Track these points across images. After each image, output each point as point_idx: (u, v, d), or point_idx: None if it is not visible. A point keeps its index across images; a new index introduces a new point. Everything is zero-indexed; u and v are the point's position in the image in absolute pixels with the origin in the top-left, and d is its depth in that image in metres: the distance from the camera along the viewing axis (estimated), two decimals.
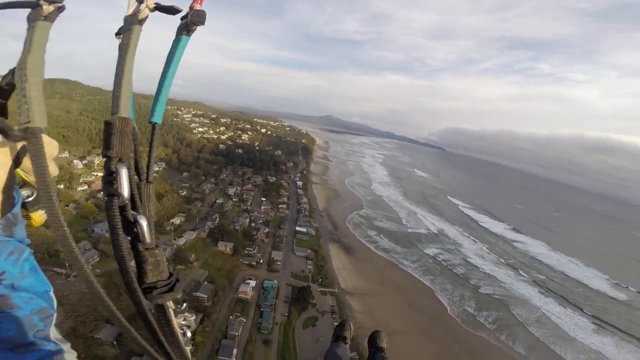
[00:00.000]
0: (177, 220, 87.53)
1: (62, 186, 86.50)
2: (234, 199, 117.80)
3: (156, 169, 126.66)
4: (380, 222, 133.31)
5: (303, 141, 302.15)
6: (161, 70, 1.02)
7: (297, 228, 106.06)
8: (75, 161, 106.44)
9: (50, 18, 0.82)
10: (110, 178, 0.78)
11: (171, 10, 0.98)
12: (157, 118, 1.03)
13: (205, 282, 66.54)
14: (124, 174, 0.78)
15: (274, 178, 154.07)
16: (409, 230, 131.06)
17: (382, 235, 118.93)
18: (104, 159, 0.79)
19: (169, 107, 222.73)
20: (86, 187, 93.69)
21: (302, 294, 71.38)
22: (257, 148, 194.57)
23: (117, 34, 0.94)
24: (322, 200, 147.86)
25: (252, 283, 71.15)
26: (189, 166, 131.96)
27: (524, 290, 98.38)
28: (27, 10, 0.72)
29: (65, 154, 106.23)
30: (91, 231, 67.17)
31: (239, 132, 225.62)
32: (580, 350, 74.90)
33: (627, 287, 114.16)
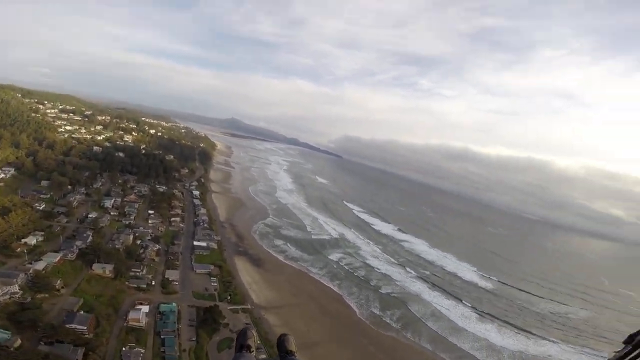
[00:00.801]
0: (32, 240, 69.60)
1: None
2: (112, 213, 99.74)
3: (1, 175, 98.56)
4: (287, 231, 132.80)
5: (201, 145, 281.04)
6: None
7: (195, 242, 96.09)
8: None
9: None
10: None
11: None
12: None
13: (81, 312, 54.73)
14: None
15: (164, 187, 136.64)
16: (314, 237, 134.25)
17: (289, 244, 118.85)
18: None
19: (26, 100, 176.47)
20: None
21: (210, 315, 64.64)
22: (144, 151, 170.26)
23: None
24: (224, 211, 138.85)
25: (145, 308, 61.20)
26: (50, 173, 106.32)
27: (415, 287, 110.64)
28: None
29: None
30: None
31: (121, 132, 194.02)
32: (472, 339, 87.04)
33: (489, 278, 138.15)
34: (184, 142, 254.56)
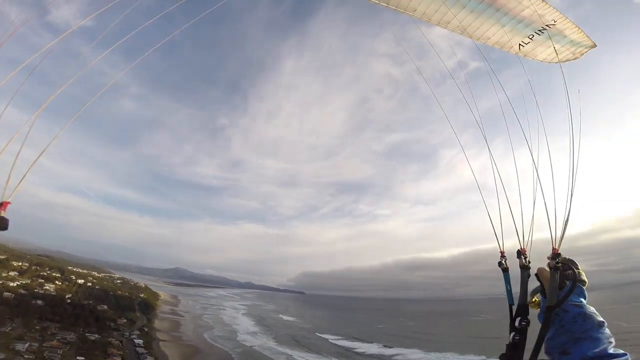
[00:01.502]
0: None
1: None
2: (26, 356, 68.96)
3: None
4: None
5: (142, 295, 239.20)
6: None
7: None
8: None
9: None
10: None
11: None
12: None
13: None
14: None
15: (96, 335, 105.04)
16: None
17: None
18: None
19: None
20: None
21: None
22: (69, 301, 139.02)
23: None
24: (176, 358, 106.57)
25: None
26: None
27: None
28: None
29: None
30: None
31: (41, 280, 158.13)
32: None
33: None
34: (119, 292, 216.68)
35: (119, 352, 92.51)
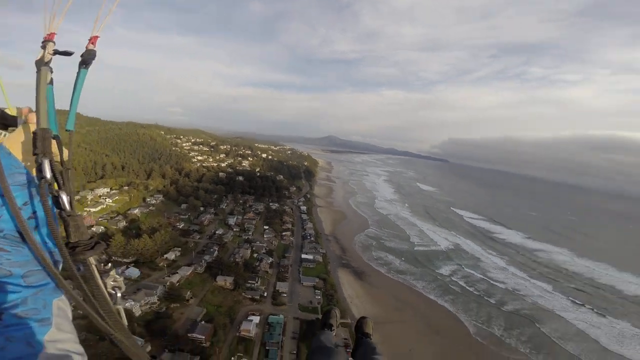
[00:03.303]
0: (171, 255, 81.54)
1: None
2: (234, 229, 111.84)
3: (153, 202, 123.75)
4: (391, 242, 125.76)
5: (305, 164, 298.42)
6: (71, 94, 1.38)
7: (303, 255, 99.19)
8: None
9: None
10: (39, 167, 1.18)
11: (66, 54, 1.38)
12: (70, 126, 1.44)
13: (202, 322, 60.08)
14: (46, 164, 1.17)
15: (276, 204, 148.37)
16: (421, 249, 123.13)
17: (393, 256, 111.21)
18: (34, 156, 1.20)
19: (168, 137, 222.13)
20: None
21: (311, 329, 64.03)
22: (258, 174, 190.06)
23: (37, 72, 1.33)
24: (328, 224, 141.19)
25: (256, 319, 63.99)
26: (187, 197, 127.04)
27: (552, 303, 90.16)
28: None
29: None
30: (77, 269, 60.90)
31: (240, 158, 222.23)
32: None
33: None
34: (290, 162, 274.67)
35: (290, 220, 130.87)
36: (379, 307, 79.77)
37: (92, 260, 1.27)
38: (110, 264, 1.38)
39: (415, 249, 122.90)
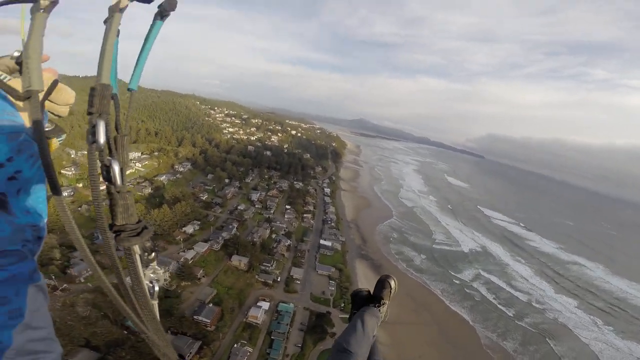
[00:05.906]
0: (190, 229, 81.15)
1: (81, 185, 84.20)
2: (256, 206, 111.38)
3: (181, 169, 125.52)
4: (413, 237, 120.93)
5: (333, 144, 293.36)
6: (140, 48, 1.22)
7: (322, 241, 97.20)
8: None
9: (47, 10, 1.04)
10: (92, 129, 0.95)
11: (146, 0, 1.20)
12: (133, 85, 1.26)
13: (210, 304, 59.19)
14: (101, 126, 0.94)
15: (300, 184, 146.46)
16: (445, 248, 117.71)
17: (414, 252, 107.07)
18: (88, 115, 0.97)
19: (203, 107, 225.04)
20: (102, 188, 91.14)
21: (320, 322, 62.46)
22: (286, 150, 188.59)
23: (105, 21, 1.10)
24: (350, 210, 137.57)
25: (265, 305, 62.97)
26: (215, 168, 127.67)
27: (580, 321, 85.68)
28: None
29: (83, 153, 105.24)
30: (95, 237, 62.30)
31: (269, 133, 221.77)
32: None
33: None
34: (318, 141, 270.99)
35: (312, 201, 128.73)
36: (394, 306, 72.06)
37: (136, 248, 1.08)
38: (154, 253, 1.22)
39: (439, 247, 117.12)
